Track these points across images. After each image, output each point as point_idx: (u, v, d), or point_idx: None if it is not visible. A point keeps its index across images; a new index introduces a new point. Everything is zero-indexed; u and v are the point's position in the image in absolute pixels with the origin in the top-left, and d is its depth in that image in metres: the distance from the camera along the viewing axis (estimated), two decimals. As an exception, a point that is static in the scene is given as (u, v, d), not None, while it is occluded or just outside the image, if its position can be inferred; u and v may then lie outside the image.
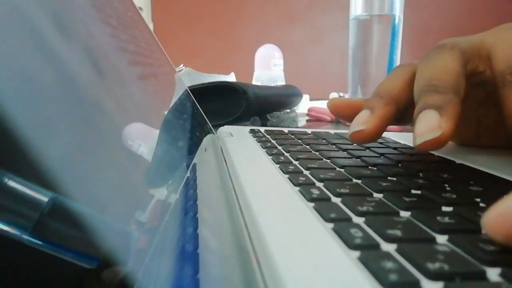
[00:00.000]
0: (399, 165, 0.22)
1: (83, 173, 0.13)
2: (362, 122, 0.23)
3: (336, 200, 0.16)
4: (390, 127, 0.46)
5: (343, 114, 0.27)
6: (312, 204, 0.15)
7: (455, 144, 0.31)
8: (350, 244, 0.12)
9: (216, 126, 0.38)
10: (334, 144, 0.29)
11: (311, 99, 0.82)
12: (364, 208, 0.14)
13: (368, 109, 0.23)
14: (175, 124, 0.30)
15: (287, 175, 0.20)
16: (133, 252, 0.13)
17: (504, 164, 0.21)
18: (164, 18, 1.63)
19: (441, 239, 0.12)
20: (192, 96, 0.37)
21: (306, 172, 0.20)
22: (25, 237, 0.13)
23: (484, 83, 0.25)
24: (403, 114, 0.27)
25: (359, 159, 0.24)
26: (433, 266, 0.10)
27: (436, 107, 0.19)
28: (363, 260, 0.11)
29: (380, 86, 0.25)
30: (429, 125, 0.18)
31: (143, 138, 0.21)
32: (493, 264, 0.10)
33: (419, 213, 0.14)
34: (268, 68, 0.87)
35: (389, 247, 0.12)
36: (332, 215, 0.14)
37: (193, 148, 0.30)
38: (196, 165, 0.26)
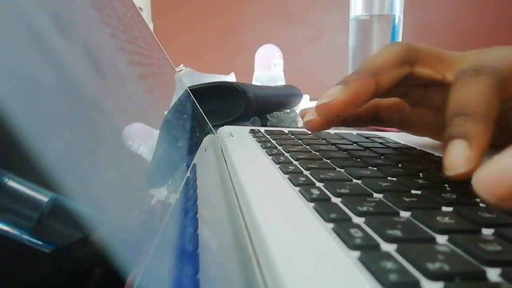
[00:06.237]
0: (399, 165, 0.22)
1: (83, 173, 0.13)
2: (330, 95, 0.22)
3: (336, 200, 0.16)
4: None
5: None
6: (312, 204, 0.15)
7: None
8: (350, 244, 0.12)
9: (216, 126, 0.38)
10: (334, 144, 0.29)
11: (311, 99, 0.82)
12: (364, 208, 0.14)
13: (342, 84, 0.22)
14: (175, 124, 0.30)
15: (287, 175, 0.20)
16: (133, 252, 0.13)
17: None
18: (164, 18, 1.63)
19: (441, 239, 0.12)
20: (192, 96, 0.37)
21: (306, 172, 0.20)
22: (25, 237, 0.13)
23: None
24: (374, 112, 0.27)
25: (359, 159, 0.24)
26: (433, 266, 0.10)
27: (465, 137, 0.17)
28: (363, 260, 0.11)
29: (362, 63, 0.24)
30: (459, 159, 0.17)
31: (143, 138, 0.21)
32: (493, 264, 0.10)
33: (419, 213, 0.14)
34: (268, 68, 0.87)
35: (389, 247, 0.12)
36: (332, 215, 0.14)
37: (193, 148, 0.30)
38: (196, 165, 0.26)
